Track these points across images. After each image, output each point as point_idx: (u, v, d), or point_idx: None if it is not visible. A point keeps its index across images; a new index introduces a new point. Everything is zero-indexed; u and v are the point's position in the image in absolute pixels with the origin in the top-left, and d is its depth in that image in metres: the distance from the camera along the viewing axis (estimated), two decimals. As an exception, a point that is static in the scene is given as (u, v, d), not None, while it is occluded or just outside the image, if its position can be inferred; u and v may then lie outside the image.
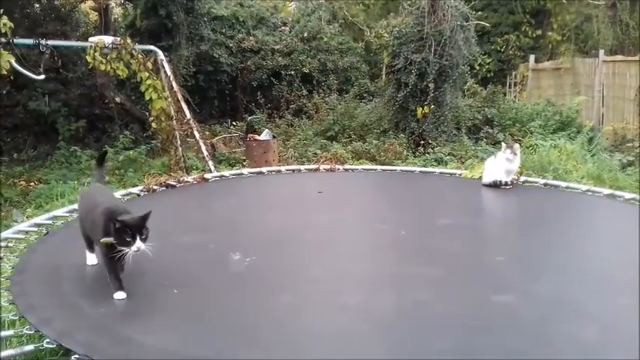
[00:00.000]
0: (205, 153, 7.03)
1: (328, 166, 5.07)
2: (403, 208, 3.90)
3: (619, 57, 10.50)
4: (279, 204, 4.01)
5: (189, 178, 4.56)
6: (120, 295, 2.26)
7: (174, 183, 4.34)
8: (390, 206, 3.98)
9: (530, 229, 3.44)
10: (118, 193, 4.03)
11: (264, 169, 5.03)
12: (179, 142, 7.28)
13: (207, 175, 4.70)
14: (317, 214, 3.70)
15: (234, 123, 10.97)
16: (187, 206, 3.89)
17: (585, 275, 2.63)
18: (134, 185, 5.19)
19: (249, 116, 10.94)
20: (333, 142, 9.48)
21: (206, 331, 2.04)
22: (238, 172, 4.98)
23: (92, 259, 2.63)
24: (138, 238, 2.13)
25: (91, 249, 2.63)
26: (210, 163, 7.02)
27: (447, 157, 8.46)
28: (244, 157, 8.49)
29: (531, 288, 2.44)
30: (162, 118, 7.10)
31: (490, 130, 9.66)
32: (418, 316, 2.18)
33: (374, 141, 9.15)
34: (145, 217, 2.18)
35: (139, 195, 4.04)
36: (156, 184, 4.23)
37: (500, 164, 4.33)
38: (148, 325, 2.10)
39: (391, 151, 8.72)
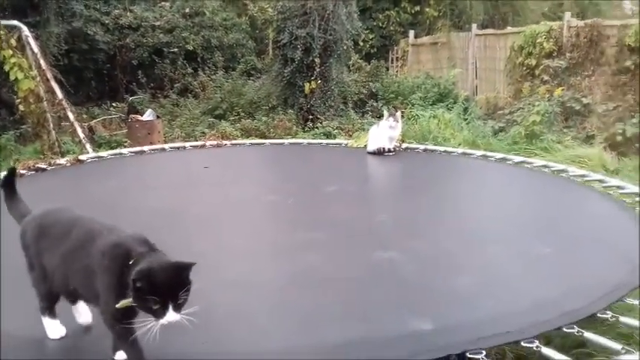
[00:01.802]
0: (82, 135, 6.61)
1: (215, 142, 4.94)
2: (291, 179, 3.90)
3: (490, 30, 11.19)
4: (162, 182, 3.84)
5: (62, 160, 4.24)
6: None
7: (44, 166, 4.01)
8: (279, 178, 3.97)
9: (412, 192, 3.58)
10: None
11: (145, 148, 4.80)
12: (51, 125, 6.77)
13: (82, 157, 4.39)
14: (203, 190, 3.59)
15: (114, 104, 10.39)
16: (59, 189, 3.60)
17: (462, 230, 2.78)
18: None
19: (131, 97, 10.39)
20: (222, 121, 9.28)
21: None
22: (117, 152, 4.71)
23: (83, 313, 1.74)
24: (171, 306, 1.33)
25: (73, 298, 1.72)
26: (88, 146, 6.61)
27: (336, 131, 8.61)
28: (127, 139, 8.06)
29: (412, 245, 2.53)
30: (31, 100, 6.58)
31: (375, 104, 9.94)
32: (306, 281, 2.18)
33: (263, 118, 9.09)
34: (183, 269, 1.38)
35: (3, 180, 3.68)
36: (23, 169, 3.88)
37: (383, 132, 4.46)
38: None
39: (281, 127, 8.72)
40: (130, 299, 1.34)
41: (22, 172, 3.85)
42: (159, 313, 1.33)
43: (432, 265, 2.32)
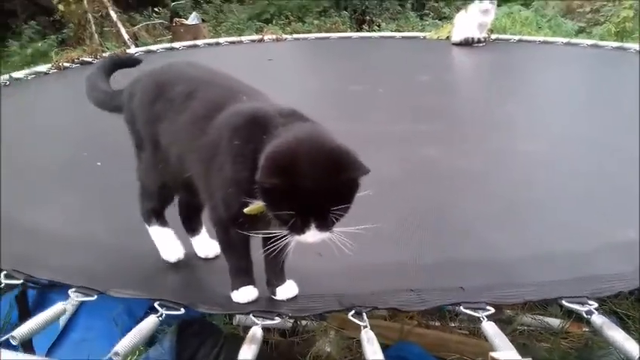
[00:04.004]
0: (126, 36, 6.11)
1: (274, 37, 4.36)
2: (372, 70, 3.33)
3: None
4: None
5: (108, 54, 3.75)
6: (248, 293, 1.06)
7: (89, 59, 3.54)
8: (357, 69, 3.39)
9: (524, 81, 2.98)
10: (20, 73, 3.23)
11: (199, 42, 4.28)
12: (94, 27, 6.28)
13: (130, 50, 3.91)
14: (277, 81, 3.05)
15: (155, 10, 9.79)
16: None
17: (612, 117, 2.20)
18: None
19: (172, 2, 9.76)
20: (270, 25, 8.63)
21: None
22: (169, 46, 4.19)
23: (203, 245, 1.24)
24: (314, 223, 0.84)
25: (193, 226, 1.23)
26: (134, 48, 6.10)
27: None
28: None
29: (560, 132, 1.99)
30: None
31: (435, 4, 9.09)
32: (443, 176, 1.69)
33: (315, 21, 8.43)
34: (345, 164, 0.84)
35: (46, 73, 3.25)
36: (67, 61, 3.43)
37: (473, 18, 3.82)
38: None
39: (334, 31, 8.04)
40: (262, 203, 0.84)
41: (65, 64, 3.41)
42: (296, 227, 0.83)
43: (600, 153, 1.78)
